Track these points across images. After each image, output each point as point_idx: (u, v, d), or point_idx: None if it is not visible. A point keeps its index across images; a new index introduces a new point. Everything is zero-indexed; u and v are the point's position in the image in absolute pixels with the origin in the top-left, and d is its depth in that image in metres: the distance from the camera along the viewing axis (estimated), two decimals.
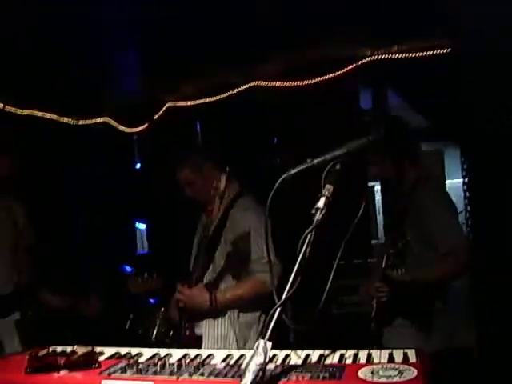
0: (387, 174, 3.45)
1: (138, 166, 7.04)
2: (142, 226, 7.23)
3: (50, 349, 2.30)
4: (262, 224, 3.40)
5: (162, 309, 4.83)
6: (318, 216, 1.87)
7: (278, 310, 1.77)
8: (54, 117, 6.13)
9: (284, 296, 1.78)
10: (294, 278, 1.80)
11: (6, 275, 3.66)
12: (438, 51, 4.84)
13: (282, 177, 1.93)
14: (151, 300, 5.08)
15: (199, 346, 3.55)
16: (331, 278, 2.01)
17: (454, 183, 4.19)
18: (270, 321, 1.76)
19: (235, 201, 3.67)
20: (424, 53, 4.95)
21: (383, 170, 3.43)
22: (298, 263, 1.82)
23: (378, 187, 6.34)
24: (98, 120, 6.58)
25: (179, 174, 3.74)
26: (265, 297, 3.47)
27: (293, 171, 1.95)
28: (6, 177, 3.64)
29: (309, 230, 1.84)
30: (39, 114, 5.96)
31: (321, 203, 1.89)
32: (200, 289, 3.50)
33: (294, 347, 2.20)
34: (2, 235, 3.69)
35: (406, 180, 3.45)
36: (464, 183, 1.34)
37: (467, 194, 1.33)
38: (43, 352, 2.19)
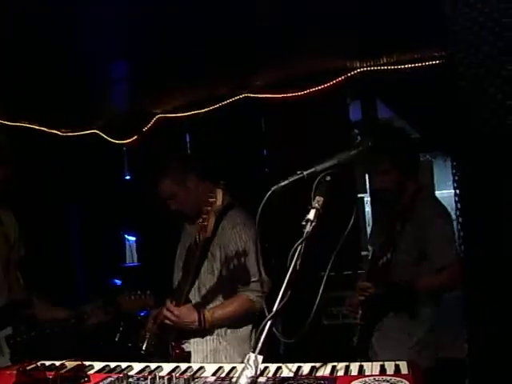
0: (389, 184, 3.43)
1: (128, 177, 7.02)
2: (131, 238, 7.21)
3: (39, 363, 2.28)
4: (252, 240, 3.42)
5: (152, 321, 4.81)
6: (308, 228, 1.86)
7: (269, 323, 1.76)
8: (43, 129, 6.12)
9: (275, 309, 1.77)
10: (284, 290, 1.79)
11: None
12: (428, 62, 4.88)
13: (272, 188, 1.92)
14: (141, 312, 5.05)
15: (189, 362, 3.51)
16: (321, 289, 2.01)
17: (443, 194, 4.21)
18: (261, 334, 1.75)
19: (225, 213, 3.57)
20: (413, 64, 4.98)
21: (385, 180, 3.42)
22: (288, 276, 1.81)
23: (367, 198, 6.34)
24: (88, 132, 6.57)
25: (161, 186, 3.62)
26: (253, 314, 3.46)
27: (283, 183, 1.94)
28: (1, 189, 3.56)
29: (299, 242, 1.83)
30: (28, 125, 5.94)
31: (311, 215, 1.89)
32: (188, 308, 3.42)
33: (285, 359, 2.19)
34: None
35: (405, 191, 3.44)
36: (456, 194, 1.34)
37: (459, 205, 1.33)
38: (31, 366, 2.17)
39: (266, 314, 1.78)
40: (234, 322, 3.53)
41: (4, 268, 3.56)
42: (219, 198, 3.30)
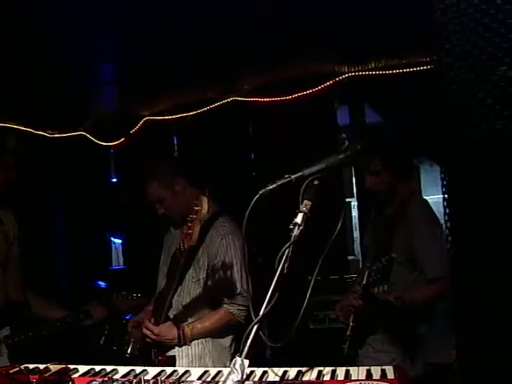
0: (380, 185, 3.42)
1: (115, 180, 6.99)
2: (117, 241, 7.17)
3: (22, 366, 2.25)
4: (239, 252, 3.40)
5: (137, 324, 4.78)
6: (295, 231, 1.86)
7: (256, 326, 1.75)
8: (29, 130, 6.08)
9: (261, 312, 1.76)
10: (271, 294, 1.78)
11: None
12: (416, 68, 4.89)
13: (260, 192, 1.92)
14: (126, 316, 5.03)
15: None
16: (309, 293, 2.00)
17: (432, 199, 4.21)
18: (247, 338, 1.74)
19: (213, 222, 3.54)
20: (401, 69, 4.99)
21: (377, 182, 3.40)
22: (275, 279, 1.80)
23: (354, 203, 6.35)
24: (75, 133, 6.54)
25: (149, 189, 3.59)
26: (233, 326, 3.45)
27: (270, 186, 1.94)
28: (3, 191, 3.65)
29: (287, 245, 1.83)
30: (14, 126, 5.90)
31: (299, 219, 1.89)
32: (168, 326, 3.42)
33: (271, 364, 2.18)
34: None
35: (396, 194, 3.42)
36: (444, 199, 1.34)
37: (447, 210, 1.33)
38: (15, 370, 2.15)
39: (253, 317, 1.77)
40: (213, 335, 3.52)
41: (2, 267, 3.61)
42: (204, 206, 3.30)
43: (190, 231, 3.30)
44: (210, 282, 3.51)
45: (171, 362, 3.44)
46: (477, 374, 1.61)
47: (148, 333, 3.41)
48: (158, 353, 3.50)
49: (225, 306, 3.45)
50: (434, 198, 4.02)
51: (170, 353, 3.52)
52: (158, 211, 3.61)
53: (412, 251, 3.27)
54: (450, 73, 1.10)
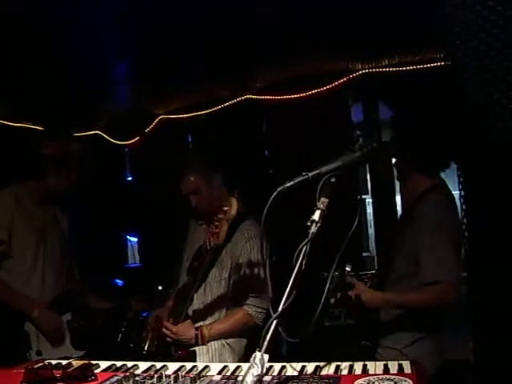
0: (401, 178, 3.40)
1: (130, 178, 7.04)
2: (133, 239, 7.22)
3: (46, 362, 2.29)
4: (262, 255, 3.36)
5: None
6: (313, 229, 1.89)
7: (274, 322, 1.78)
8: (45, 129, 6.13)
9: (280, 308, 1.79)
10: (289, 290, 1.81)
11: (57, 278, 3.95)
12: (430, 64, 4.89)
13: (278, 189, 1.95)
14: (143, 313, 5.07)
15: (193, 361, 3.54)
16: (326, 289, 2.03)
17: None
18: (267, 333, 1.77)
19: (239, 224, 3.58)
20: (415, 66, 5.00)
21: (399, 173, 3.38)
22: (293, 275, 1.83)
23: (369, 200, 6.35)
24: (90, 133, 6.59)
25: (187, 180, 3.63)
26: (251, 328, 3.48)
27: (288, 184, 1.97)
28: (65, 191, 4.01)
29: (304, 242, 1.86)
30: (30, 126, 5.96)
31: (316, 216, 1.91)
32: (186, 325, 3.47)
33: (287, 360, 2.21)
34: (54, 241, 3.99)
35: (417, 187, 3.28)
36: (461, 196, 1.36)
37: (464, 206, 1.34)
38: (39, 365, 2.19)
39: (272, 313, 1.80)
40: (231, 336, 3.56)
41: (62, 258, 4.00)
42: (234, 207, 3.34)
43: (218, 230, 3.36)
44: (231, 283, 3.55)
45: (191, 356, 3.48)
46: (493, 370, 1.63)
47: (167, 332, 3.47)
48: (177, 347, 3.54)
49: (244, 307, 3.49)
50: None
51: (191, 348, 3.56)
52: (191, 203, 3.63)
53: (412, 254, 3.13)
54: (465, 73, 1.13)
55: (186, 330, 3.45)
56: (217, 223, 3.36)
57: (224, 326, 3.52)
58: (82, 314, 3.98)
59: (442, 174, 3.30)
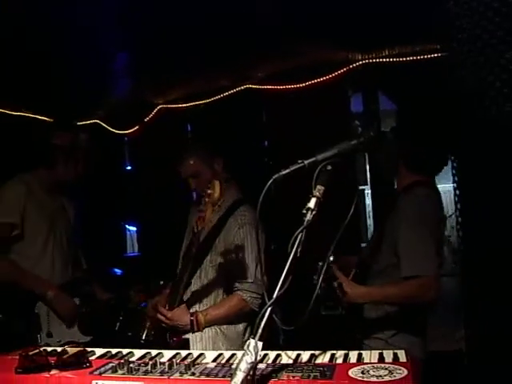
0: (386, 171, 3.37)
1: (129, 168, 7.03)
2: (132, 228, 7.23)
3: (41, 348, 2.30)
4: (256, 241, 3.40)
5: None
6: (308, 216, 1.88)
7: (269, 309, 1.78)
8: (45, 118, 6.13)
9: (275, 295, 1.79)
10: (284, 277, 1.81)
11: (65, 265, 4.01)
12: (430, 55, 4.88)
13: (274, 177, 1.94)
14: (141, 303, 5.07)
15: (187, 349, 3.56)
16: (321, 278, 2.03)
17: (444, 187, 4.15)
18: (261, 320, 1.77)
19: (233, 211, 3.59)
20: (415, 56, 4.98)
21: (384, 167, 3.34)
22: (288, 263, 1.83)
23: (368, 191, 6.34)
24: (89, 122, 6.58)
25: (187, 162, 3.64)
26: (247, 314, 3.47)
27: (284, 172, 1.97)
28: (72, 181, 4.10)
29: (300, 230, 1.86)
30: (30, 115, 5.96)
31: (312, 203, 1.91)
32: (182, 311, 3.46)
33: (284, 349, 2.21)
34: (62, 229, 4.05)
35: (399, 183, 3.29)
36: (454, 188, 1.35)
37: (456, 198, 1.33)
38: (34, 352, 2.19)
39: (266, 300, 1.80)
40: (227, 322, 3.55)
41: (69, 246, 4.08)
42: (217, 189, 3.30)
43: (203, 214, 3.34)
44: (225, 268, 3.54)
45: (186, 344, 3.48)
46: (484, 361, 1.63)
47: (162, 318, 3.45)
48: (172, 334, 3.54)
49: (238, 292, 3.47)
50: (446, 187, 3.96)
51: (185, 336, 3.55)
52: (190, 186, 3.67)
53: (394, 248, 3.08)
54: (459, 56, 1.12)
55: (181, 316, 3.44)
56: (202, 207, 3.33)
57: (219, 311, 3.50)
58: (89, 302, 4.04)
59: None
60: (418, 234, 2.99)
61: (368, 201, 6.44)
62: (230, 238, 3.54)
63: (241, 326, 3.61)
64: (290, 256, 1.83)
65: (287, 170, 1.97)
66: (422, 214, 3.05)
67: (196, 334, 3.51)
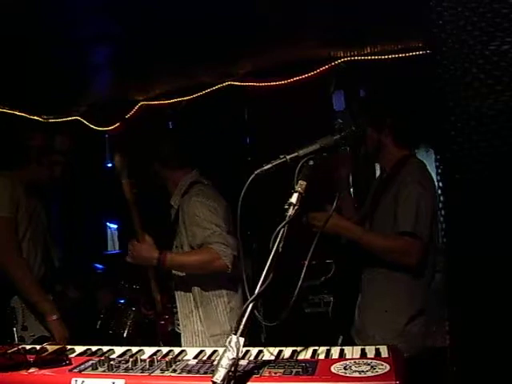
0: (371, 147, 3.38)
1: (110, 165, 6.97)
2: (113, 226, 7.18)
3: (20, 346, 2.27)
4: (207, 210, 3.52)
5: (133, 309, 4.83)
6: (290, 211, 1.87)
7: (251, 305, 1.76)
8: (24, 115, 6.06)
9: (257, 291, 1.78)
10: (266, 273, 1.80)
11: (38, 263, 3.99)
12: (412, 53, 4.89)
13: (255, 172, 1.93)
14: (120, 300, 5.06)
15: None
16: (303, 274, 2.02)
17: None
18: (243, 316, 1.75)
19: (190, 190, 3.71)
20: (397, 54, 4.99)
21: (368, 144, 3.36)
22: (270, 258, 1.82)
23: (351, 189, 6.34)
24: (70, 118, 6.52)
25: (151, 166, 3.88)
26: (220, 270, 3.46)
27: (266, 167, 1.96)
28: (47, 182, 4.13)
29: (282, 225, 1.84)
30: (9, 111, 5.89)
31: (294, 199, 1.90)
32: (150, 245, 3.51)
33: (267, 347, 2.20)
34: (37, 229, 4.05)
35: (391, 157, 3.35)
36: (439, 186, 1.35)
37: (440, 184, 1.33)
38: (12, 350, 2.16)
39: (248, 296, 1.78)
40: (197, 271, 3.59)
41: (42, 247, 4.07)
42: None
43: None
44: (189, 239, 3.61)
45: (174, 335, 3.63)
46: (469, 356, 1.63)
47: (131, 247, 3.54)
48: (162, 325, 3.68)
49: (209, 245, 3.47)
50: None
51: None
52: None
53: (395, 207, 3.16)
54: (443, 48, 1.11)
55: (148, 249, 3.49)
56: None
57: (188, 258, 3.58)
58: (60, 300, 4.03)
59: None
60: (418, 196, 3.08)
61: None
62: (186, 212, 3.63)
63: (223, 317, 3.63)
64: (271, 251, 1.82)
65: (269, 165, 1.96)
66: (421, 179, 3.15)
67: (184, 325, 3.66)
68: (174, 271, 3.69)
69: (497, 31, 1.07)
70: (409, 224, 3.04)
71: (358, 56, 5.26)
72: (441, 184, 1.31)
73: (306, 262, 1.92)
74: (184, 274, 3.66)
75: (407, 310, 3.20)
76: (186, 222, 3.62)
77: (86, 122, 6.62)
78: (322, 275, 4.64)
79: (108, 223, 7.15)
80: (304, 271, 2.04)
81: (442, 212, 1.37)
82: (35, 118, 6.28)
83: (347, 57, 5.30)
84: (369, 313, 3.35)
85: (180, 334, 3.73)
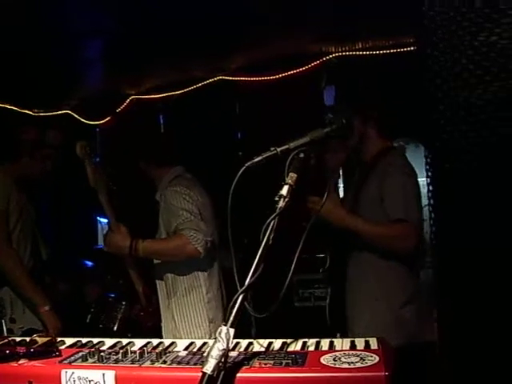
0: (355, 138, 3.41)
1: (98, 159, 6.94)
2: (103, 220, 7.15)
3: (10, 338, 2.26)
4: (181, 198, 3.56)
5: (123, 303, 4.82)
6: (281, 203, 1.88)
7: (241, 296, 1.77)
8: (15, 108, 6.04)
9: (247, 282, 1.78)
10: (256, 264, 1.80)
11: (27, 256, 3.98)
12: (403, 49, 4.91)
13: (246, 164, 1.93)
14: (111, 294, 5.05)
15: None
16: (293, 266, 2.02)
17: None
18: (233, 307, 1.76)
19: (172, 181, 3.75)
20: (389, 50, 5.00)
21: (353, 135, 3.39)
22: (260, 250, 1.82)
23: (340, 185, 6.34)
24: (61, 112, 6.50)
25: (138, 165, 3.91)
26: (193, 255, 3.46)
27: (256, 159, 1.96)
28: (38, 176, 4.14)
29: (272, 217, 1.85)
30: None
31: (284, 191, 1.90)
32: (123, 234, 3.54)
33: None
34: (26, 222, 4.04)
35: (374, 146, 3.38)
36: (428, 176, 1.36)
37: (430, 188, 1.34)
38: (2, 341, 2.16)
39: (238, 287, 1.79)
40: (171, 258, 3.62)
41: (31, 240, 4.07)
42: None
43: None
44: (166, 228, 3.65)
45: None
46: (458, 350, 1.64)
47: (105, 237, 3.65)
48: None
49: (181, 231, 3.49)
50: (420, 181, 4.00)
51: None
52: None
53: (379, 197, 3.20)
54: (432, 39, 1.12)
55: (121, 238, 3.53)
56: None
57: (160, 245, 3.62)
58: (49, 292, 4.00)
59: (411, 161, 3.39)
60: (402, 183, 3.15)
61: (341, 194, 6.43)
62: (164, 204, 3.67)
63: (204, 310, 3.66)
64: (262, 243, 1.82)
65: (260, 158, 1.96)
66: (405, 168, 3.23)
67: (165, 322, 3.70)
68: (154, 261, 3.71)
69: (486, 22, 1.08)
70: (400, 211, 3.09)
71: (349, 51, 5.27)
72: (430, 174, 1.32)
73: (296, 254, 1.93)
74: (159, 262, 3.72)
75: (399, 296, 3.24)
76: (163, 211, 3.66)
77: (76, 115, 6.60)
78: (314, 269, 4.64)
79: (98, 217, 7.13)
80: (294, 264, 2.05)
81: (431, 201, 1.38)
82: (26, 111, 6.26)
83: (338, 52, 5.31)
84: (360, 300, 3.37)
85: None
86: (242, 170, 1.91)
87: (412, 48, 4.87)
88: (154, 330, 3.83)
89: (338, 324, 3.52)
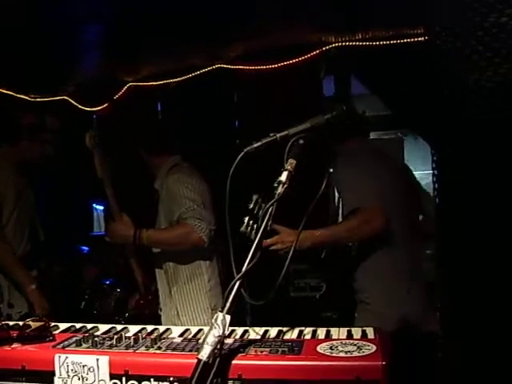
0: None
1: None
2: (99, 207, 7.13)
3: (3, 322, 2.25)
4: (183, 186, 3.58)
5: (118, 290, 4.82)
6: (280, 189, 1.86)
7: (238, 282, 1.75)
8: (11, 93, 5.99)
9: (244, 268, 1.76)
10: (254, 251, 1.78)
11: (24, 239, 4.03)
12: (404, 40, 4.88)
13: (245, 150, 1.92)
14: (106, 281, 5.04)
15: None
16: (290, 256, 2.00)
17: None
18: (230, 294, 1.74)
19: (171, 169, 3.78)
20: (389, 41, 4.97)
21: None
22: (258, 237, 1.80)
23: None
24: (57, 98, 6.45)
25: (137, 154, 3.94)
26: (198, 244, 3.48)
27: (255, 144, 1.95)
28: (38, 161, 4.19)
29: (270, 203, 1.83)
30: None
31: (283, 177, 1.89)
32: (127, 223, 3.57)
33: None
34: (25, 206, 4.10)
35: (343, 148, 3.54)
36: (433, 174, 1.34)
37: (436, 185, 1.33)
38: None
39: (235, 274, 1.77)
40: (174, 247, 3.62)
41: (29, 223, 4.14)
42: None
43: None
44: (167, 217, 3.68)
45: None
46: (460, 339, 1.63)
47: (108, 227, 3.71)
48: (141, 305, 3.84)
49: (184, 220, 3.51)
50: (418, 174, 3.99)
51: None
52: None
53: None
54: (441, 21, 1.09)
55: (124, 228, 3.57)
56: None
57: (164, 234, 3.62)
58: (45, 274, 4.10)
59: (410, 153, 3.43)
60: (354, 173, 3.28)
61: None
62: (166, 191, 3.71)
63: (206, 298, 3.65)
64: (260, 229, 1.80)
65: (259, 143, 1.95)
66: (360, 167, 3.34)
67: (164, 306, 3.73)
68: (154, 249, 3.70)
69: (496, 3, 1.05)
70: (354, 202, 3.17)
71: (349, 42, 5.23)
72: (435, 159, 1.30)
73: (285, 267, 1.89)
74: (159, 250, 3.73)
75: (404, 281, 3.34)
76: (164, 200, 3.67)
77: (73, 101, 6.55)
78: (310, 259, 4.63)
79: (95, 204, 7.11)
80: (291, 252, 2.03)
81: (436, 186, 1.36)
82: (22, 96, 6.21)
83: (338, 42, 5.27)
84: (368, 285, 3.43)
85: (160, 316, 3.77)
86: (240, 155, 1.90)
87: (413, 40, 4.84)
88: (152, 317, 3.84)
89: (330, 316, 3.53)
